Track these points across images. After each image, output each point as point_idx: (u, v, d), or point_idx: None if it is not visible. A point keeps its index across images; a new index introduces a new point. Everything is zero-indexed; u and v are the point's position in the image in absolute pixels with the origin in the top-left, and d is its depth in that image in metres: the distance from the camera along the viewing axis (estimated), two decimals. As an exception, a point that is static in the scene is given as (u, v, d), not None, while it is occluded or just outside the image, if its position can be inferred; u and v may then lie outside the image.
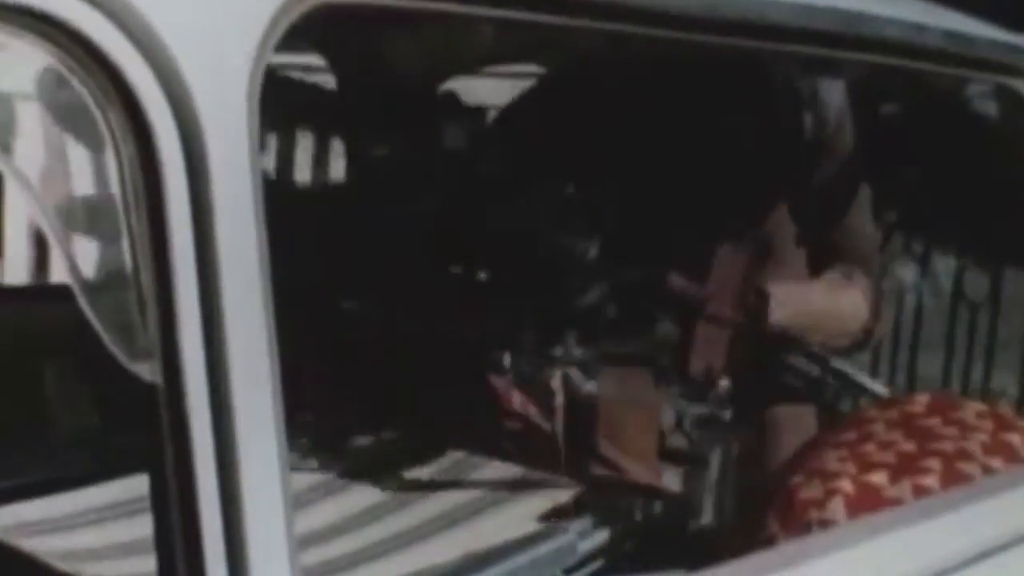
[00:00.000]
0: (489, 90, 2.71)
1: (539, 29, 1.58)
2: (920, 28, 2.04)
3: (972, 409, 2.28)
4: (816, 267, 2.53)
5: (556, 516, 1.96)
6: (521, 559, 1.83)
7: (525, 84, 2.64)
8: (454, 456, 2.16)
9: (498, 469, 2.12)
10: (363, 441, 2.23)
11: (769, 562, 1.81)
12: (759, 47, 1.83)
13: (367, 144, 2.74)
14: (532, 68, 2.79)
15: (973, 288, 5.43)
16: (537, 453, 2.15)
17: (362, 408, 2.27)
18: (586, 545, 1.91)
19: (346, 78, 2.75)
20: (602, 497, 2.01)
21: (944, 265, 5.76)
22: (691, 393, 2.08)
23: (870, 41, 1.96)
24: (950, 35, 2.09)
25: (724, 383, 2.06)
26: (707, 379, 2.05)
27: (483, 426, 2.16)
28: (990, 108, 2.92)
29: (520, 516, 2.00)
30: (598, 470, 2.13)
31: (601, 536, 1.91)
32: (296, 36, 1.31)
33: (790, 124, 2.48)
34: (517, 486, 2.08)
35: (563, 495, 2.02)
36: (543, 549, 1.87)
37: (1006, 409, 2.34)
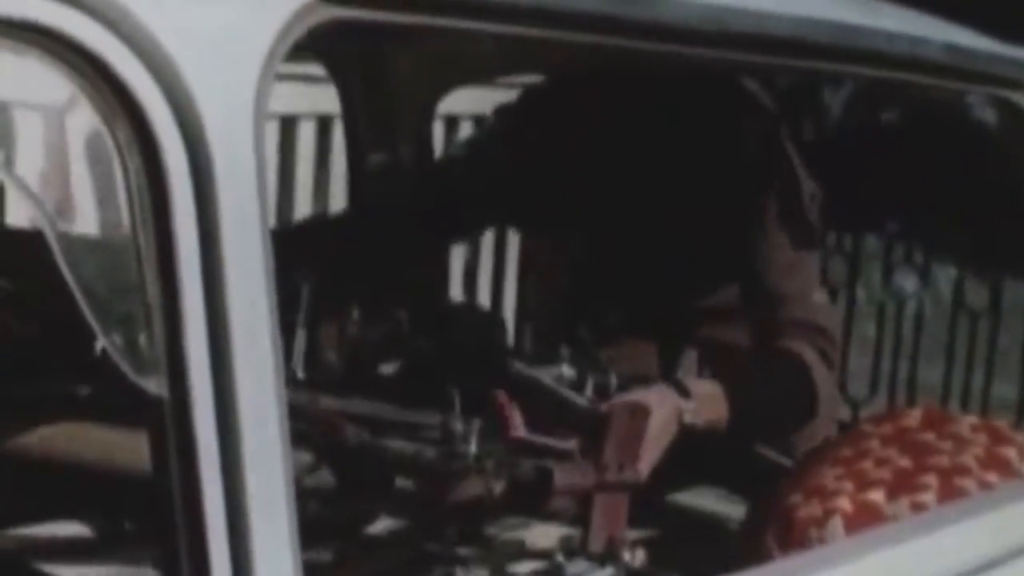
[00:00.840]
0: (492, 101, 2.72)
1: (542, 43, 1.59)
2: (919, 41, 2.05)
3: (966, 423, 2.29)
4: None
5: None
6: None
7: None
8: None
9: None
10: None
11: None
12: (759, 61, 1.84)
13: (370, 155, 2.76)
14: (535, 79, 2.80)
15: (974, 297, 5.45)
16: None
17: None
18: None
19: (348, 88, 2.76)
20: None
21: (945, 274, 5.79)
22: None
23: (869, 54, 1.96)
24: (950, 48, 2.10)
25: (639, 554, 1.94)
26: (610, 552, 1.87)
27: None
28: (990, 119, 2.93)
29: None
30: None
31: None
32: (297, 47, 1.32)
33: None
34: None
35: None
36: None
37: (1001, 422, 2.35)
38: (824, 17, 1.87)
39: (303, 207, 4.85)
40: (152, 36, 1.20)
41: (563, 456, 1.91)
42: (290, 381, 1.94)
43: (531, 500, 1.89)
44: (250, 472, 1.22)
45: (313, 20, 1.31)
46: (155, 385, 1.20)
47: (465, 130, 4.94)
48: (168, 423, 1.20)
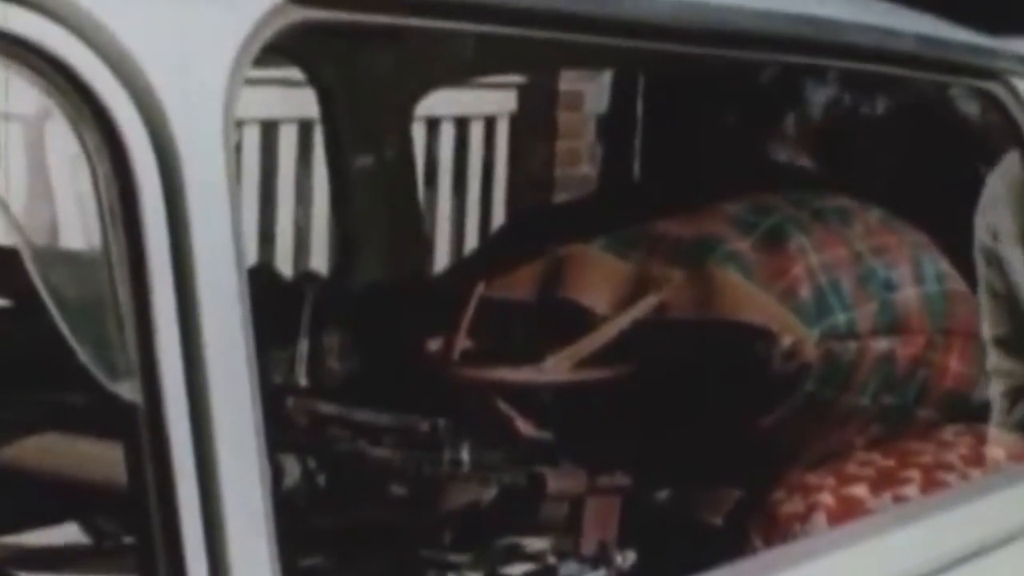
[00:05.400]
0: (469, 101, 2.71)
1: (519, 42, 1.59)
2: (894, 33, 2.05)
3: (950, 429, 2.29)
4: None
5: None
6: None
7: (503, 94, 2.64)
8: None
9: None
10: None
11: (750, 569, 1.82)
12: (734, 56, 1.84)
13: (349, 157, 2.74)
14: (512, 79, 2.80)
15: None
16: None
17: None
18: None
19: (327, 91, 2.75)
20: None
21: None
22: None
23: (845, 47, 1.97)
24: (924, 39, 2.10)
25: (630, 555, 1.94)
26: (601, 556, 1.90)
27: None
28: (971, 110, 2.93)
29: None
30: None
31: None
32: (274, 51, 1.31)
33: None
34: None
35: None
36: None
37: (985, 426, 2.35)
38: (798, 11, 1.87)
39: (285, 212, 4.84)
40: (118, 40, 1.19)
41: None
42: (283, 387, 1.95)
43: (524, 506, 1.90)
44: (226, 479, 1.21)
45: (282, 22, 1.31)
46: (128, 392, 1.19)
47: (447, 132, 4.92)
48: (142, 431, 1.20)
